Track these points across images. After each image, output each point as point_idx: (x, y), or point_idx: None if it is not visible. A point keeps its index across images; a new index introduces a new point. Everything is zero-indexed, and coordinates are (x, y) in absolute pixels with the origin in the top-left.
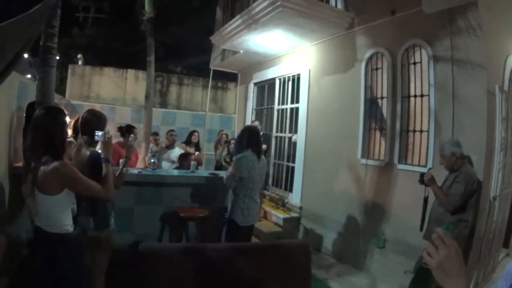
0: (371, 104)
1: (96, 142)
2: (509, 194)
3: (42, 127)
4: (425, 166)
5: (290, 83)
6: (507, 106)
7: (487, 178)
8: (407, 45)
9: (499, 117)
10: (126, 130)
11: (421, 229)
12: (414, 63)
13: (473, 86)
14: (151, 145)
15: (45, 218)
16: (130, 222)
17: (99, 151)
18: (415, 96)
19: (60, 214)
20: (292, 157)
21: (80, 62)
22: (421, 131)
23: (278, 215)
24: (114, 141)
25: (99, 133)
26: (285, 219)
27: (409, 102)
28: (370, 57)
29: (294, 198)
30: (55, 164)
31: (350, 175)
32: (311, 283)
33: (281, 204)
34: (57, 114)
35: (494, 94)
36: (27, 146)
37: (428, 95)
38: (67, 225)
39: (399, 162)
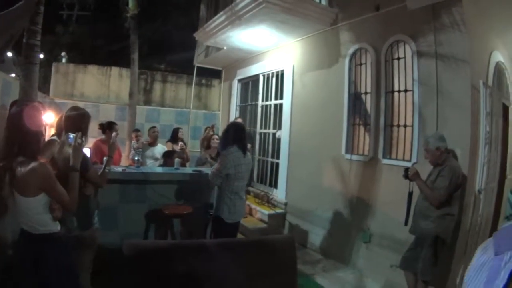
0: (355, 99)
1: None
2: (494, 187)
3: (16, 126)
4: (409, 161)
5: (274, 79)
6: (491, 101)
7: (472, 172)
8: (391, 40)
9: (483, 112)
10: (107, 127)
11: (406, 224)
12: (398, 59)
13: (457, 81)
14: (133, 142)
15: (26, 219)
16: (115, 220)
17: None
18: (399, 91)
19: (40, 215)
20: (276, 153)
21: (64, 60)
22: (405, 126)
23: (263, 211)
24: (97, 138)
25: (70, 135)
26: (270, 215)
27: (393, 97)
28: (354, 53)
29: (279, 194)
30: (33, 165)
31: (334, 170)
32: (296, 279)
33: (266, 200)
34: (33, 112)
35: (478, 89)
36: (2, 145)
37: (412, 90)
38: (50, 224)
39: (384, 157)
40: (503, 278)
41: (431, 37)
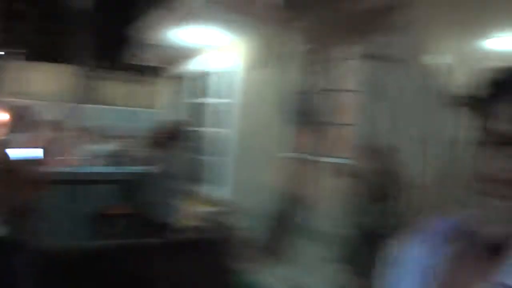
0: (301, 98)
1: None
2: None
3: None
4: (349, 158)
5: (221, 77)
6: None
7: (407, 167)
8: (341, 40)
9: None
10: (40, 125)
11: (345, 219)
12: (346, 59)
13: (401, 82)
14: (76, 141)
15: None
16: (53, 223)
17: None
18: (343, 90)
19: None
20: (221, 152)
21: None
22: (346, 125)
23: (204, 210)
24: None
25: None
26: (211, 214)
27: (337, 96)
28: (303, 52)
29: (222, 192)
30: None
31: (276, 169)
32: (237, 277)
33: (207, 199)
34: None
35: (426, 89)
36: None
37: (356, 90)
38: None
39: (324, 155)
40: (434, 275)
41: (380, 38)
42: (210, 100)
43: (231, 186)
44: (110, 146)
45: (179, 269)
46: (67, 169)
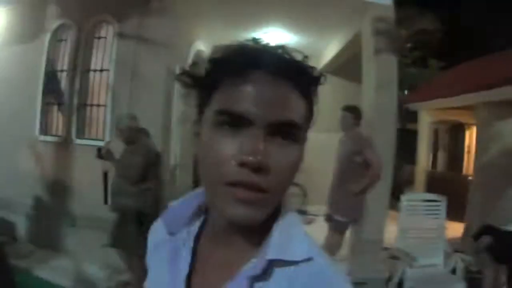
0: (51, 77)
1: None
2: (191, 162)
3: None
4: (103, 140)
5: None
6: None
7: (166, 148)
8: (96, 19)
9: (177, 93)
10: None
11: (105, 202)
12: (99, 38)
13: (154, 64)
14: None
15: None
16: None
17: None
18: (95, 70)
19: None
20: None
21: None
22: (98, 105)
23: None
24: None
25: None
26: None
27: (88, 76)
28: (57, 29)
29: None
30: None
31: (30, 153)
32: (11, 275)
33: None
34: None
35: (174, 72)
36: None
37: (108, 70)
38: None
39: (77, 137)
40: (185, 257)
41: (137, 20)
42: None
43: None
44: None
45: None
46: None
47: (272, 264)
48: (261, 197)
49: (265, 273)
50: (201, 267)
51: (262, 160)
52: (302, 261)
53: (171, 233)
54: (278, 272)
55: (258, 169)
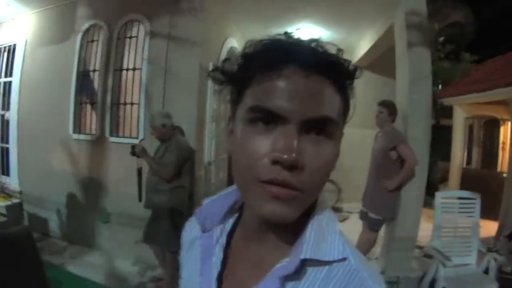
0: (83, 77)
1: None
2: (225, 159)
3: None
4: (137, 138)
5: (6, 54)
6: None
7: (200, 145)
8: (126, 19)
9: (210, 91)
10: None
11: (140, 200)
12: (130, 37)
13: (186, 62)
14: None
15: None
16: None
17: None
18: (127, 69)
19: None
20: (6, 137)
21: None
22: (131, 104)
23: None
24: None
25: None
26: (8, 207)
27: (121, 75)
28: (88, 29)
29: (12, 182)
30: None
31: (64, 152)
32: (43, 271)
33: (0, 190)
34: None
35: (207, 70)
36: None
37: (141, 69)
38: None
39: (111, 135)
40: (218, 254)
41: (167, 19)
42: None
43: (18, 175)
44: None
45: None
46: None
47: (305, 264)
48: (295, 195)
49: (298, 273)
50: (233, 265)
51: (296, 158)
52: (336, 261)
53: (205, 230)
54: (311, 271)
55: (292, 167)
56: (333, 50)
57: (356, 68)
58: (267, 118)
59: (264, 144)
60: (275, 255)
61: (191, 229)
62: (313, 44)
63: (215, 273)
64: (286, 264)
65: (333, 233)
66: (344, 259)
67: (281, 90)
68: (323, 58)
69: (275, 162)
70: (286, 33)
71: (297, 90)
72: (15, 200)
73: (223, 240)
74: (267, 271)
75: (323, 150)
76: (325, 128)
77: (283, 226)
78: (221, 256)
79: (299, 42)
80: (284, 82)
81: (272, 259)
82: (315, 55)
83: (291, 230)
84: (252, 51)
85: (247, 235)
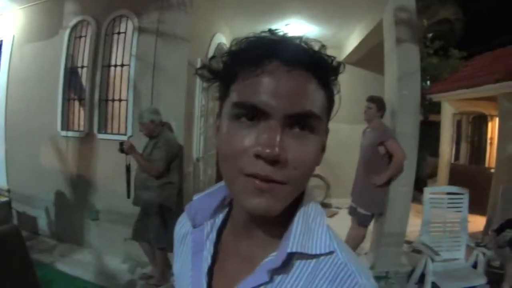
0: (71, 73)
1: None
2: (214, 155)
3: None
4: (125, 134)
5: None
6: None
7: (189, 142)
8: (114, 15)
9: (199, 87)
10: None
11: (128, 197)
12: (119, 33)
13: (174, 58)
14: None
15: None
16: None
17: None
18: (115, 65)
19: None
20: None
21: None
22: (120, 100)
23: None
24: None
25: None
26: None
27: (109, 71)
28: (76, 25)
29: (0, 180)
30: None
31: (52, 149)
32: (33, 269)
33: None
34: None
35: (195, 66)
36: None
37: (129, 65)
38: None
39: (99, 132)
40: (208, 249)
41: (155, 15)
42: None
43: (6, 173)
44: None
45: None
46: None
47: (292, 257)
48: (279, 188)
49: (285, 266)
50: (223, 260)
51: (278, 153)
52: (323, 255)
53: (195, 226)
54: (298, 264)
55: (274, 161)
56: (317, 46)
57: (339, 64)
58: (251, 113)
59: (248, 139)
60: (265, 249)
61: (182, 224)
62: (296, 41)
63: (205, 268)
64: (274, 258)
65: (320, 227)
66: (331, 252)
67: (264, 86)
68: (306, 54)
69: (258, 156)
70: (270, 30)
71: (280, 85)
72: (4, 199)
73: (213, 235)
74: (257, 265)
75: (307, 145)
76: (308, 123)
77: (271, 221)
78: (211, 250)
79: (283, 39)
80: (267, 78)
81: (262, 254)
82: (298, 51)
83: (280, 224)
84: (237, 48)
85: (236, 230)
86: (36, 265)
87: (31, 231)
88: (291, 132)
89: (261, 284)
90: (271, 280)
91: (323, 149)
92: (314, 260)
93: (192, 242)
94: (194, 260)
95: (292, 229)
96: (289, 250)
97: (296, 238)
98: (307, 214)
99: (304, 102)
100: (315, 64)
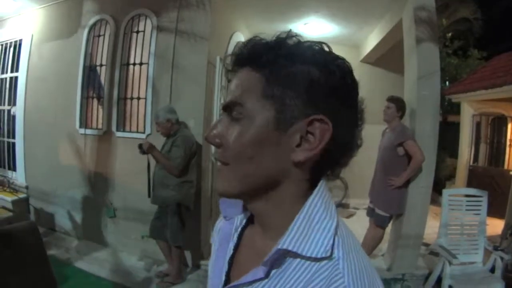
0: (90, 72)
1: None
2: None
3: None
4: (143, 133)
5: (12, 49)
6: (228, 75)
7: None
8: (133, 13)
9: (218, 86)
10: None
11: (149, 195)
12: (137, 32)
13: (193, 56)
14: None
15: None
16: None
17: None
18: (134, 64)
19: None
20: (12, 132)
21: None
22: (138, 98)
23: (5, 198)
24: None
25: None
26: (14, 202)
27: (128, 69)
28: (94, 24)
29: (19, 177)
30: None
31: (70, 146)
32: (50, 266)
33: (7, 185)
34: None
35: (215, 64)
36: None
37: (148, 63)
38: None
39: (118, 130)
40: (234, 240)
41: (174, 14)
42: None
43: (25, 169)
44: None
45: None
46: None
47: (287, 255)
48: (224, 169)
49: (281, 265)
50: (243, 252)
51: (211, 135)
52: (319, 259)
53: (227, 218)
54: (293, 263)
55: (216, 144)
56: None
57: (277, 54)
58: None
59: None
60: (273, 245)
61: (218, 220)
62: (257, 40)
63: (227, 258)
64: (271, 253)
65: (324, 231)
66: (330, 257)
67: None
68: (246, 52)
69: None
70: (254, 37)
71: (230, 86)
72: (22, 195)
73: (239, 228)
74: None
75: (234, 129)
76: (232, 110)
77: (274, 217)
78: (235, 240)
79: (248, 42)
80: (233, 80)
81: (272, 249)
82: (242, 52)
83: (287, 222)
84: (233, 51)
85: (254, 225)
86: (52, 261)
87: (48, 228)
88: (227, 119)
89: (257, 280)
90: (267, 276)
91: (255, 132)
92: (310, 263)
93: (222, 233)
94: (221, 250)
95: (289, 227)
96: (279, 247)
97: (291, 236)
98: (313, 215)
99: (235, 94)
100: (251, 60)
